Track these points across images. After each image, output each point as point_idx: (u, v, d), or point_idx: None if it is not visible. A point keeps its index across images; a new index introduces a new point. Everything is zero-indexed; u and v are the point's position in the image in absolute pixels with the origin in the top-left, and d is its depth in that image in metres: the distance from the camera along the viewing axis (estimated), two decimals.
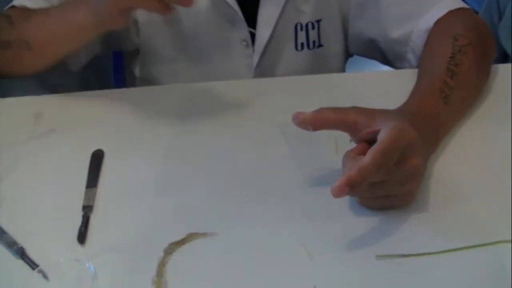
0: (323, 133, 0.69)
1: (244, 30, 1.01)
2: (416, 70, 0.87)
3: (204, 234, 0.66)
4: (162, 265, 0.63)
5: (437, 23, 0.92)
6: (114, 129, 0.86)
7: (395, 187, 0.65)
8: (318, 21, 1.04)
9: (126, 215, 0.70)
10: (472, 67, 0.83)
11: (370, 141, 0.65)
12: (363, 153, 0.63)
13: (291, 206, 0.70)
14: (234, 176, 0.75)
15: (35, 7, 0.93)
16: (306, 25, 1.03)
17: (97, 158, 0.79)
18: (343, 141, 0.73)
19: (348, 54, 1.13)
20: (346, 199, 0.69)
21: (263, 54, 1.02)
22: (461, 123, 0.81)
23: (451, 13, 0.92)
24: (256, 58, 1.03)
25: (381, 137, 0.63)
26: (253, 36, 1.02)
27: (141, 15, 1.01)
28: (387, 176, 0.63)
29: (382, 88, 0.90)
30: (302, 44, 1.04)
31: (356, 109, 0.68)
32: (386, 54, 1.03)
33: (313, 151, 0.78)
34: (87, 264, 0.57)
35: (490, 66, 0.88)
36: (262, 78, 1.02)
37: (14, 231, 0.68)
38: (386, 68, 1.08)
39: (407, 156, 0.63)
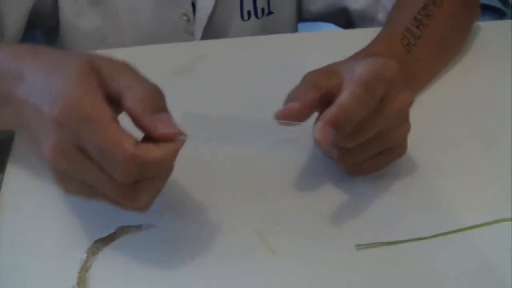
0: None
1: (186, 3, 0.90)
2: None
3: (137, 228, 0.57)
4: (84, 270, 0.53)
5: None
6: None
7: (390, 136, 0.57)
8: None
9: (39, 208, 0.59)
10: (448, 21, 0.75)
11: None
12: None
13: (244, 187, 0.60)
14: None
15: None
16: None
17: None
18: None
19: (298, 20, 1.03)
20: (312, 175, 0.60)
21: (206, 29, 0.92)
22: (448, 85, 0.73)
23: None
24: (198, 34, 0.93)
25: (359, 71, 0.54)
26: (193, 7, 0.91)
27: None
28: (382, 125, 0.55)
29: (339, 47, 0.77)
30: (248, 12, 0.95)
31: (314, 76, 0.57)
32: (350, 17, 0.95)
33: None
34: None
35: (471, 25, 0.81)
36: (203, 41, 0.92)
37: None
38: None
39: (394, 92, 0.55)
